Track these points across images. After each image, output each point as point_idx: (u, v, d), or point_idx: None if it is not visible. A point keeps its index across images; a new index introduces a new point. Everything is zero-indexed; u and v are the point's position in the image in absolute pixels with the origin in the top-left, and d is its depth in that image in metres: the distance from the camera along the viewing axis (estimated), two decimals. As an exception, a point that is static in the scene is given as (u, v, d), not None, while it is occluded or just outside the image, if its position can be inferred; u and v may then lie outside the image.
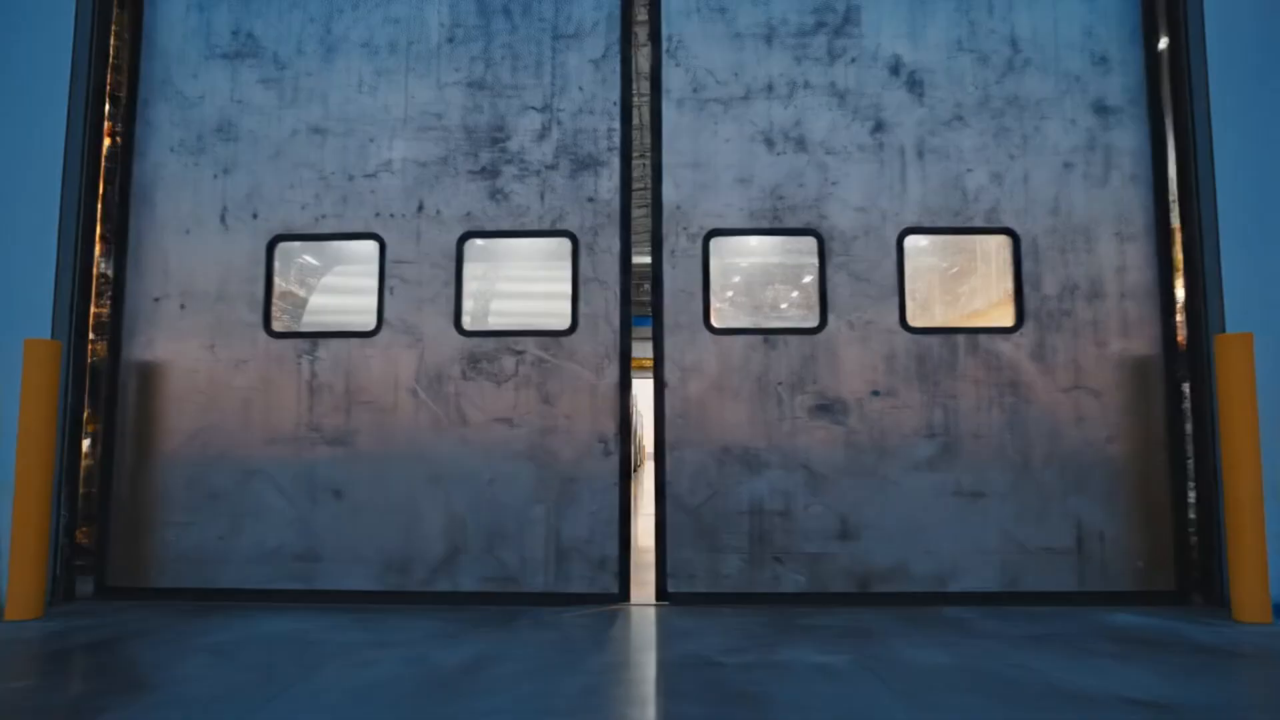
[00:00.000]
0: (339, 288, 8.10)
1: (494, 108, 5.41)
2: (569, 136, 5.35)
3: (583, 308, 5.23)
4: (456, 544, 5.13)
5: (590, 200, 5.31)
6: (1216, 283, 4.97)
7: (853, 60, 5.39)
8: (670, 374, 5.22)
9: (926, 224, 5.26)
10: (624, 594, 5.08)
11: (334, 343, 5.32)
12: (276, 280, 9.78)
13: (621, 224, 5.28)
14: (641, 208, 41.59)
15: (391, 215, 5.36)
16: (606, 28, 5.44)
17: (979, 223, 5.26)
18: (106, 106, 5.51)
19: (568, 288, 5.28)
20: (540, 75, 5.40)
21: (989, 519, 5.06)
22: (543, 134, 5.37)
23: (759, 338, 5.24)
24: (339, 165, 5.42)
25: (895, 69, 5.38)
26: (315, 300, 8.96)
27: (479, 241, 6.41)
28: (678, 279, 5.28)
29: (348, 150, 5.43)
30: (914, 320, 5.22)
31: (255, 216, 5.41)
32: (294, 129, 5.47)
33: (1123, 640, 4.15)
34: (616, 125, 5.35)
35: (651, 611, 4.85)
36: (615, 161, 5.32)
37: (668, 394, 5.21)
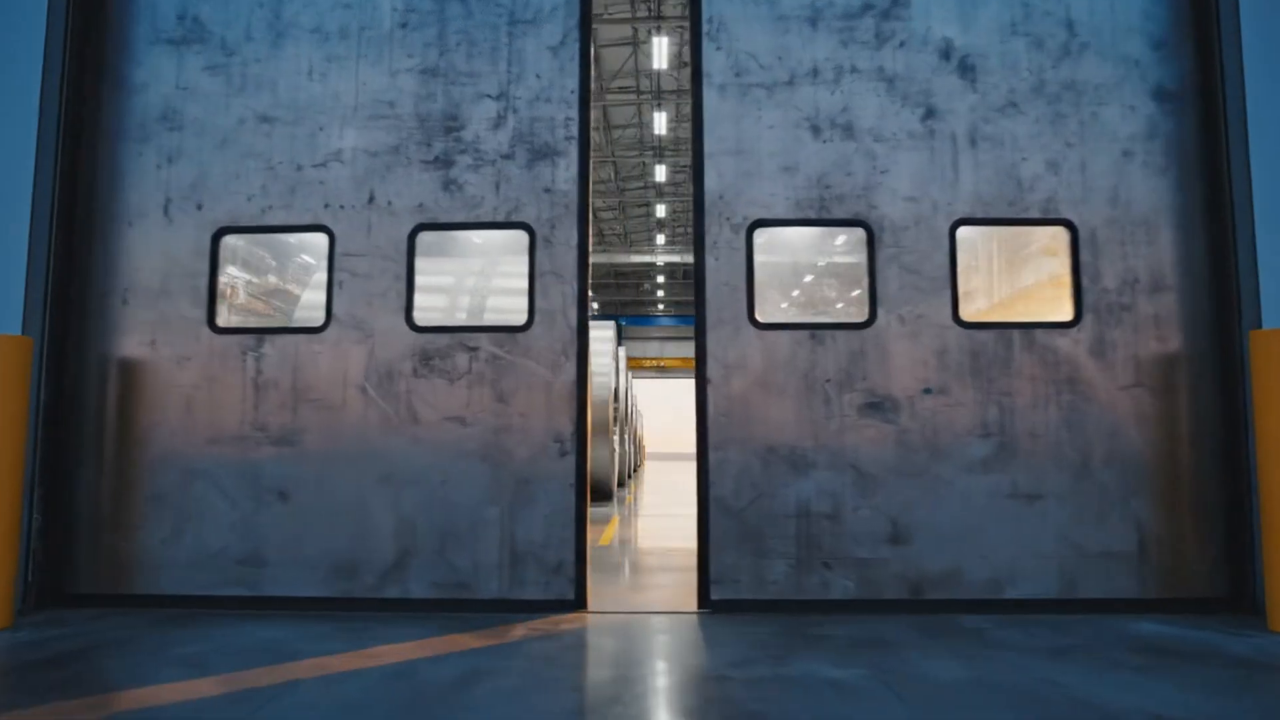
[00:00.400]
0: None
1: (448, 95, 5.20)
2: (525, 125, 5.15)
3: (539, 303, 5.03)
4: (407, 548, 4.91)
5: (547, 191, 5.10)
6: (1252, 276, 4.77)
7: (901, 44, 5.18)
8: (713, 371, 5.00)
9: (980, 214, 5.05)
10: (580, 601, 4.87)
11: (280, 338, 5.10)
12: (271, 278, 9.55)
13: (580, 216, 5.07)
14: (641, 206, 41.49)
15: (341, 207, 5.14)
16: (565, 13, 5.22)
17: (1034, 213, 5.05)
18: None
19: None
20: (496, 62, 5.19)
21: (1046, 522, 4.84)
22: (498, 122, 5.16)
23: (805, 333, 5.02)
24: (287, 155, 5.20)
25: (946, 53, 5.16)
26: (308, 296, 8.75)
27: (476, 238, 6.18)
28: (720, 272, 5.06)
29: (296, 139, 5.21)
30: (964, 315, 5.00)
31: (200, 208, 5.20)
32: (241, 117, 5.25)
33: (1151, 652, 3.94)
34: (575, 114, 5.14)
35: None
36: (573, 151, 5.11)
37: (711, 392, 4.99)
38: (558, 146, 5.13)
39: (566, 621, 4.57)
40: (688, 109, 31.18)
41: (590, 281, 4.86)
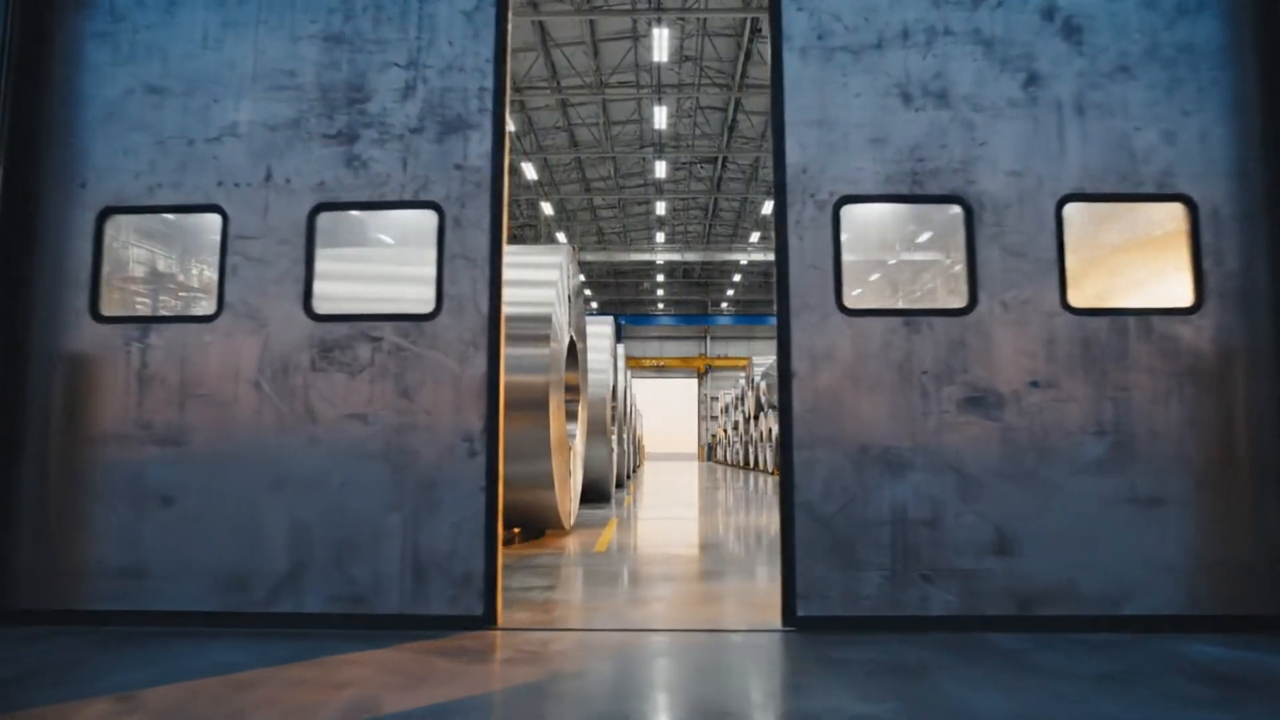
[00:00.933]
0: (330, 274, 7.40)
1: (353, 64, 4.75)
2: (436, 96, 4.71)
3: (448, 289, 4.58)
4: (302, 558, 4.46)
5: (458, 167, 4.66)
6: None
7: (1000, 3, 4.71)
8: (798, 362, 4.52)
9: (1089, 190, 4.59)
10: (489, 617, 4.41)
11: (168, 328, 4.66)
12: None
13: (493, 194, 4.63)
14: (641, 204, 41.07)
15: (236, 184, 4.71)
16: None
17: (1149, 188, 4.60)
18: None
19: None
20: (405, 28, 4.76)
21: (1169, 530, 4.38)
22: (407, 93, 4.72)
23: (899, 320, 4.56)
24: (178, 128, 4.75)
25: (1049, 14, 4.70)
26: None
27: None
28: (805, 253, 4.59)
29: (189, 112, 4.76)
30: (1074, 300, 4.54)
31: (83, 186, 4.74)
32: (129, 88, 4.80)
33: (1214, 680, 3.49)
34: (489, 84, 4.70)
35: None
36: (487, 124, 4.68)
37: (796, 385, 4.51)
38: (471, 119, 4.68)
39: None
40: (689, 104, 30.70)
41: (503, 266, 4.44)
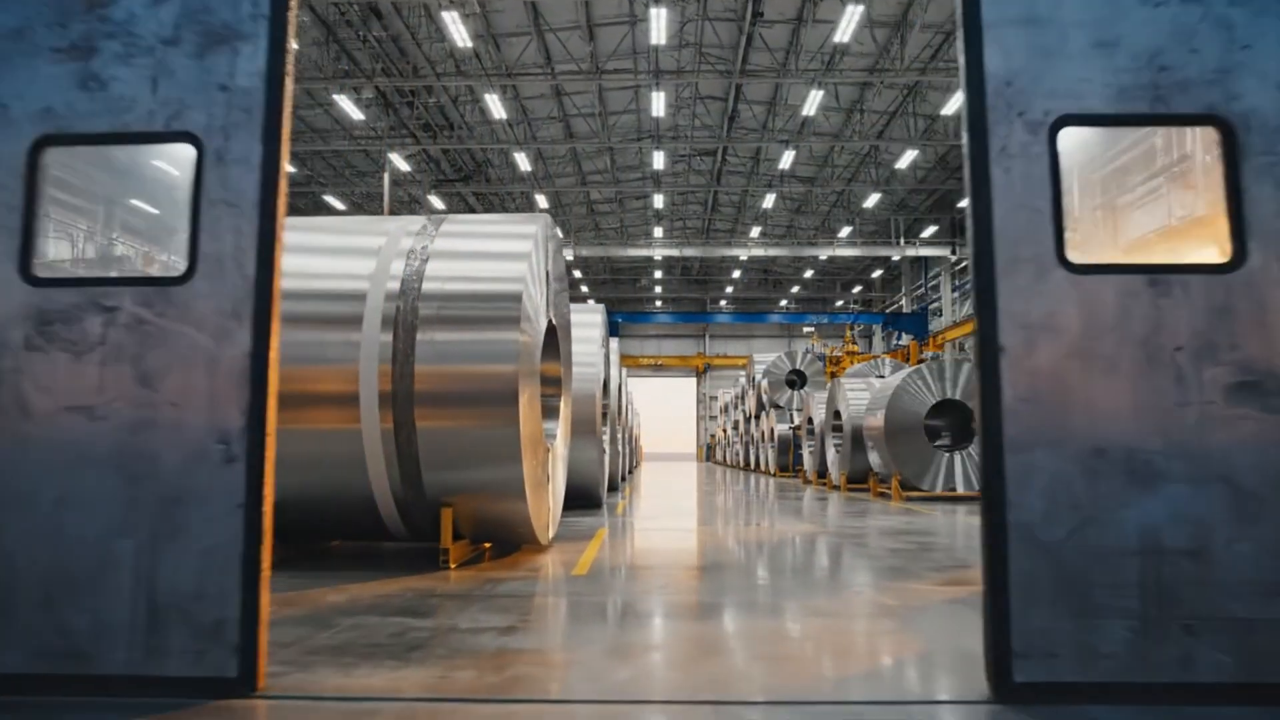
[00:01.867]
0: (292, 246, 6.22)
1: None
2: None
3: (205, 245, 3.54)
4: (1, 599, 3.41)
5: (223, 89, 3.62)
6: None
7: None
8: (1008, 335, 3.37)
9: (1387, 106, 3.47)
10: (247, 680, 3.34)
11: None
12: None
13: (267, 123, 3.58)
14: (639, 199, 39.75)
15: None
16: None
17: None
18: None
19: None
20: None
21: None
22: None
23: (1141, 279, 3.41)
24: None
25: (1325, -124, 3.58)
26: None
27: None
28: (1014, 189, 3.44)
29: None
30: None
31: None
32: None
33: None
34: None
35: None
36: (262, 33, 3.67)
37: (1006, 365, 3.36)
38: (241, 28, 3.63)
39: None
40: (687, 93, 29.55)
41: (283, 218, 3.58)
